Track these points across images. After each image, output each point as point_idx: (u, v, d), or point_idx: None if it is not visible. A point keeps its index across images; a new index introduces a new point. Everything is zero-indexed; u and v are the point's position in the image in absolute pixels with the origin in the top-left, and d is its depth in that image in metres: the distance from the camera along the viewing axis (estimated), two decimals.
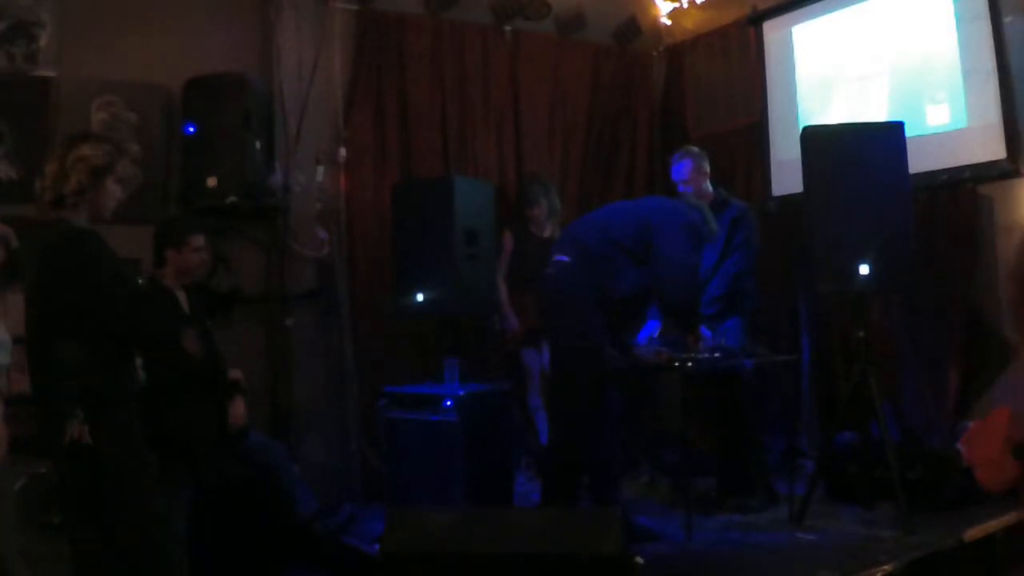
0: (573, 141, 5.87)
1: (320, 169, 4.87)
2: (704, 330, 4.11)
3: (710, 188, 4.66)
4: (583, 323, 3.88)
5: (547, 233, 5.13)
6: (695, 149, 4.73)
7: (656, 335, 4.46)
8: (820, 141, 4.02)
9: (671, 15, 6.09)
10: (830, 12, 5.28)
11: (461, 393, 4.16)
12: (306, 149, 4.82)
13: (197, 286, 3.90)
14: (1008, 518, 3.79)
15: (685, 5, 5.98)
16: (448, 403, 4.13)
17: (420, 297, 4.51)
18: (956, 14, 4.64)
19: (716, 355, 3.97)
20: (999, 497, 3.99)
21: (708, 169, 4.67)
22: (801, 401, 5.18)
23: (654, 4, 6.07)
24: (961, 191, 4.64)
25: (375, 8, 5.17)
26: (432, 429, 4.17)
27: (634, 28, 6.09)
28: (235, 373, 3.79)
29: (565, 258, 3.99)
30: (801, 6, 5.43)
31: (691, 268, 3.97)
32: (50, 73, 4.25)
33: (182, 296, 3.72)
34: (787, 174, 5.20)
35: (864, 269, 3.85)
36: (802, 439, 5.06)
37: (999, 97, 4.45)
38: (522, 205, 5.20)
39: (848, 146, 3.96)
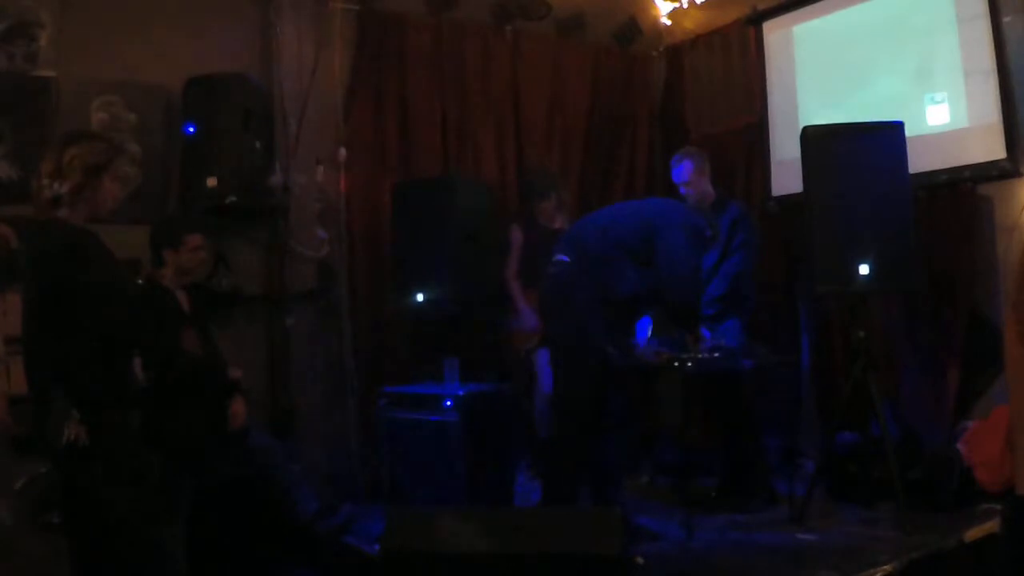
0: (573, 141, 5.87)
1: (320, 169, 4.87)
2: (704, 330, 4.11)
3: (711, 189, 4.66)
4: (584, 323, 3.88)
5: (557, 225, 4.99)
6: (695, 150, 4.74)
7: (649, 333, 4.47)
8: (820, 141, 4.02)
9: (671, 15, 6.07)
10: (830, 12, 5.28)
11: (461, 393, 4.16)
12: (306, 149, 4.82)
13: (197, 286, 3.90)
14: None
15: (685, 5, 5.97)
16: (448, 403, 4.13)
17: (420, 297, 4.51)
18: (956, 14, 4.63)
19: (716, 355, 3.98)
20: (999, 497, 3.99)
21: (709, 170, 4.67)
22: (801, 401, 5.17)
23: (654, 4, 6.06)
24: (961, 191, 4.64)
25: (375, 8, 5.17)
26: (432, 429, 4.18)
27: (634, 28, 6.08)
28: (235, 373, 3.79)
29: (566, 258, 3.99)
30: (801, 6, 5.42)
31: (693, 269, 3.97)
32: (50, 73, 4.24)
33: (182, 296, 3.72)
34: (787, 174, 5.19)
35: (864, 269, 3.85)
36: (802, 439, 5.06)
37: (999, 97, 4.45)
38: (529, 198, 5.11)
39: (848, 146, 3.96)
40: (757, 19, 5.67)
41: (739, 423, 4.38)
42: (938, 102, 4.72)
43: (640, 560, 3.35)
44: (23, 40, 4.20)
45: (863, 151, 3.93)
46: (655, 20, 6.11)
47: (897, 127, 3.98)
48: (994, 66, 4.46)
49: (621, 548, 2.90)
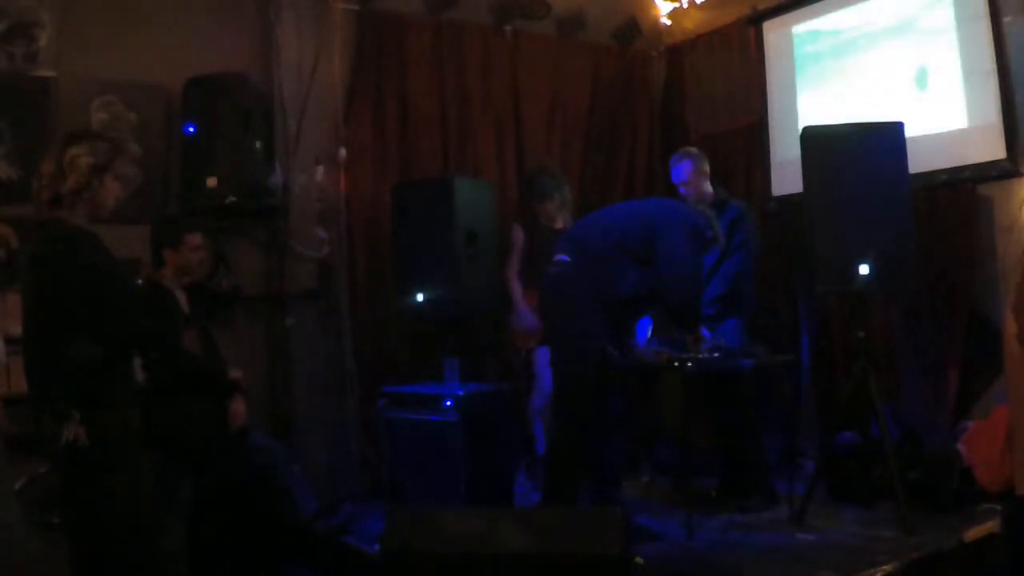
0: (573, 141, 5.87)
1: (320, 169, 4.87)
2: (704, 330, 4.11)
3: (710, 188, 4.66)
4: (584, 323, 3.88)
5: (559, 225, 4.97)
6: (693, 150, 4.74)
7: (649, 334, 4.45)
8: (820, 141, 4.02)
9: (671, 15, 6.08)
10: (830, 12, 5.28)
11: (461, 393, 4.16)
12: (306, 149, 4.82)
13: (197, 286, 3.91)
14: None
15: (685, 5, 5.98)
16: (448, 403, 4.13)
17: (420, 297, 4.51)
18: (956, 14, 4.64)
19: (716, 355, 3.98)
20: (999, 497, 3.99)
21: (707, 170, 4.67)
22: (801, 401, 5.18)
23: (654, 4, 6.07)
24: (961, 191, 4.64)
25: (375, 8, 5.17)
26: (432, 429, 4.17)
27: (634, 28, 6.08)
28: (235, 373, 3.79)
29: (566, 258, 3.99)
30: (801, 6, 5.43)
31: (693, 269, 3.97)
32: (50, 73, 4.25)
33: (182, 296, 3.73)
34: (787, 174, 5.20)
35: (864, 269, 3.85)
36: (802, 439, 5.06)
37: (999, 97, 4.45)
38: (531, 198, 5.08)
39: (848, 146, 3.96)
40: (757, 19, 5.67)
41: (739, 423, 4.37)
42: (938, 102, 4.72)
43: (640, 560, 3.35)
44: (23, 40, 4.20)
45: (863, 151, 3.93)
46: (655, 20, 6.12)
47: (897, 127, 3.98)
48: (994, 66, 4.46)
49: (621, 548, 2.90)
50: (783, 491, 4.21)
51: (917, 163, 4.13)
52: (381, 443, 4.49)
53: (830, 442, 4.27)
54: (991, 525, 3.63)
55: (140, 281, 3.69)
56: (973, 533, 3.59)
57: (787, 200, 5.26)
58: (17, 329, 2.78)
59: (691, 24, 6.09)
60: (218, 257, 4.36)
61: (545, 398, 4.76)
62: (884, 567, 3.27)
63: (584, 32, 5.95)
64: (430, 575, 2.99)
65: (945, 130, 4.69)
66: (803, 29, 5.46)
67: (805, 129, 4.10)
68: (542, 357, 4.82)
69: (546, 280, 4.08)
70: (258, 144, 4.42)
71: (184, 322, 3.65)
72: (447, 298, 4.44)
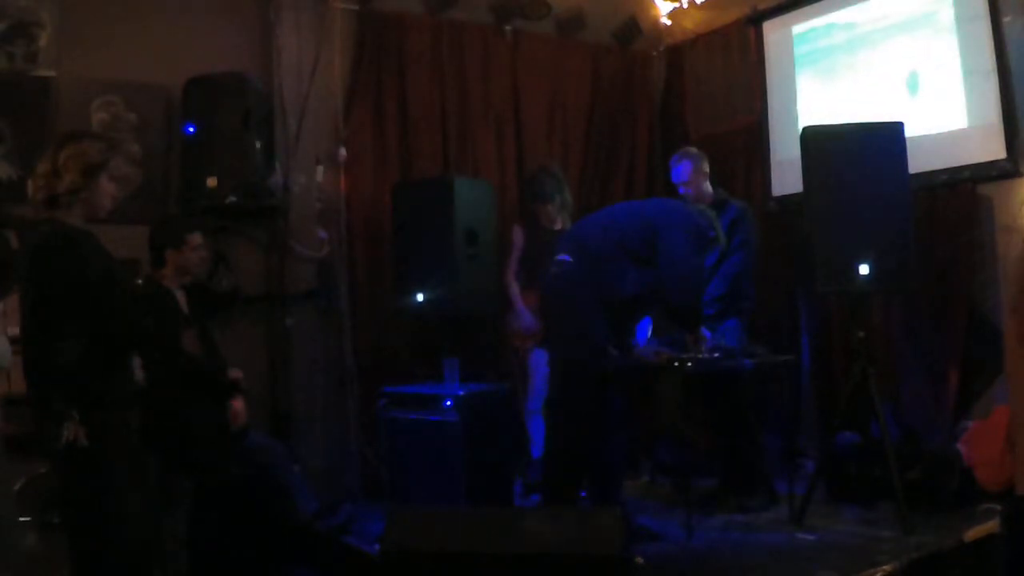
0: (573, 141, 5.86)
1: (320, 169, 4.87)
2: (704, 330, 4.11)
3: (710, 188, 4.66)
4: (585, 323, 3.88)
5: (559, 227, 4.96)
6: (693, 150, 4.74)
7: (649, 334, 4.46)
8: (820, 141, 4.02)
9: (671, 15, 6.08)
10: (830, 12, 5.28)
11: (461, 393, 4.16)
12: (306, 149, 4.82)
13: (197, 286, 3.90)
14: None
15: (685, 5, 5.97)
16: (448, 403, 4.13)
17: (420, 297, 4.51)
18: (956, 14, 4.63)
19: (716, 355, 3.98)
20: (999, 497, 3.98)
21: (707, 169, 4.68)
22: (801, 401, 5.18)
23: (654, 4, 6.06)
24: (961, 191, 4.64)
25: (375, 8, 5.18)
26: (432, 429, 4.17)
27: (634, 28, 6.08)
28: (235, 373, 3.79)
29: (567, 258, 3.99)
30: (801, 6, 5.42)
31: (695, 270, 3.97)
32: (50, 73, 4.25)
33: (181, 296, 3.73)
34: (787, 174, 5.20)
35: (864, 269, 3.86)
36: (802, 439, 5.06)
37: (999, 97, 4.45)
38: (532, 200, 5.07)
39: (848, 146, 3.96)
40: (757, 19, 5.67)
41: (739, 423, 4.37)
42: (938, 102, 4.72)
43: (640, 560, 3.35)
44: (23, 40, 4.20)
45: (863, 151, 3.93)
46: (655, 20, 6.11)
47: (897, 127, 3.98)
48: (994, 66, 4.46)
49: (621, 548, 2.90)
50: (783, 491, 4.21)
51: (917, 163, 4.13)
52: (381, 443, 4.49)
53: (830, 442, 4.27)
54: (991, 525, 3.63)
55: (140, 281, 3.69)
56: (973, 533, 3.59)
57: (787, 200, 5.26)
58: (17, 329, 2.78)
59: (691, 24, 6.08)
60: (218, 257, 4.36)
61: (539, 399, 4.76)
62: (884, 567, 3.27)
63: (584, 32, 5.95)
64: (430, 575, 2.99)
65: (945, 130, 4.68)
66: (803, 29, 5.45)
67: (805, 129, 4.10)
68: (537, 358, 4.83)
69: (547, 280, 4.08)
70: (258, 144, 4.42)
71: (184, 322, 3.64)
72: (447, 298, 4.44)
